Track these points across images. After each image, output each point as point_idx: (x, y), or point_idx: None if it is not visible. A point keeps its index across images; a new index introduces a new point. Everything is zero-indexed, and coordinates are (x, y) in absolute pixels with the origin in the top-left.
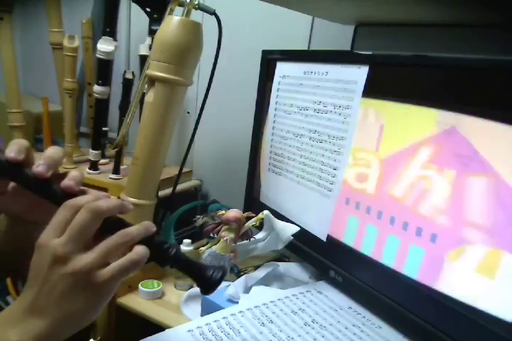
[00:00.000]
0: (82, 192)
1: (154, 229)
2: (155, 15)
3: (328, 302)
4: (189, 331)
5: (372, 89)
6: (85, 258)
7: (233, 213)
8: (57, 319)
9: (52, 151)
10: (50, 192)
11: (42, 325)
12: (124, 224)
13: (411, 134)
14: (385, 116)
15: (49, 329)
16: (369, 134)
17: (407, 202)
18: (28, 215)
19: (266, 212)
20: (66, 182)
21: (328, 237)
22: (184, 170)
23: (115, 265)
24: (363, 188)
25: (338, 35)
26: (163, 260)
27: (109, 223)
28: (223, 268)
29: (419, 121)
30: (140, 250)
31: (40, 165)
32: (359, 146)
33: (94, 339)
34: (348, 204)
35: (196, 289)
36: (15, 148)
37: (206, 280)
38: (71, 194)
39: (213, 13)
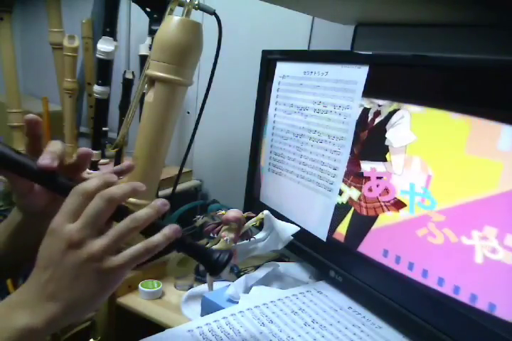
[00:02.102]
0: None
1: (167, 207)
2: (155, 15)
3: (328, 302)
4: (189, 331)
5: (372, 89)
6: (99, 243)
7: (233, 213)
8: (69, 303)
9: (52, 145)
10: (57, 183)
11: (53, 308)
12: (130, 211)
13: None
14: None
15: (60, 313)
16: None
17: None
18: (49, 211)
19: (266, 212)
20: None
21: (328, 237)
22: (184, 170)
23: (128, 252)
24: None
25: (338, 35)
26: (169, 245)
27: (120, 207)
28: (229, 251)
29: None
30: (155, 238)
31: (44, 158)
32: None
33: (94, 339)
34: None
35: (196, 289)
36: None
37: (213, 262)
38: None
39: (213, 13)
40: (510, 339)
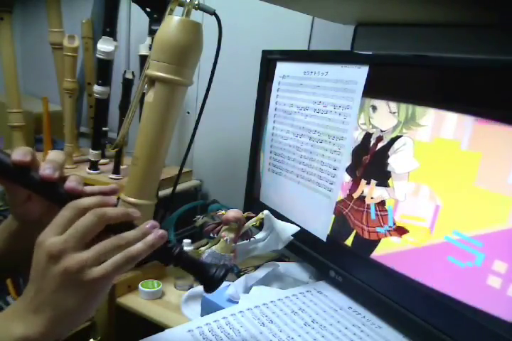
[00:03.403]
0: (86, 194)
1: (157, 229)
2: (155, 15)
3: (328, 302)
4: (189, 331)
5: (373, 89)
6: (79, 257)
7: (233, 213)
8: (54, 315)
9: (54, 155)
10: (57, 194)
11: (39, 321)
12: (127, 225)
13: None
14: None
15: (46, 327)
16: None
17: None
18: (45, 219)
19: (266, 212)
20: (69, 184)
21: (328, 237)
22: (184, 170)
23: (108, 263)
24: None
25: (338, 35)
26: (167, 259)
27: (110, 225)
28: (226, 266)
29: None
30: (136, 247)
31: (46, 168)
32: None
33: (94, 339)
34: None
35: (196, 289)
36: (20, 152)
37: (209, 278)
38: (75, 195)
39: (213, 13)
40: (510, 339)
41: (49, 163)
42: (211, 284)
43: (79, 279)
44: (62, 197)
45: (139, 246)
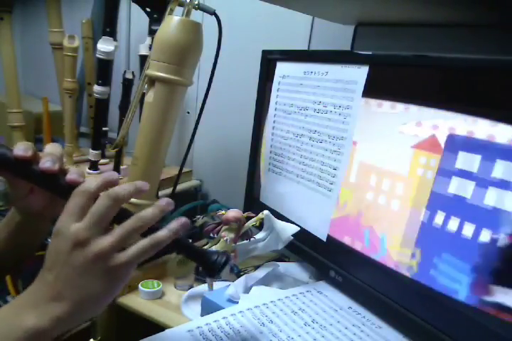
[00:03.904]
0: None
1: (171, 207)
2: (155, 15)
3: (328, 302)
4: (189, 331)
5: (372, 89)
6: (104, 242)
7: (233, 213)
8: (76, 302)
9: (51, 148)
10: (58, 186)
11: (61, 308)
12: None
13: None
14: None
15: (68, 312)
16: None
17: None
18: (48, 212)
19: (266, 212)
20: (70, 176)
21: (328, 237)
22: (184, 170)
23: (134, 248)
24: None
25: (338, 35)
26: (170, 246)
27: (123, 208)
28: (227, 253)
29: None
30: (161, 233)
31: (46, 161)
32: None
33: (94, 339)
34: None
35: (196, 289)
36: (22, 147)
37: (212, 264)
38: (77, 186)
39: (213, 13)
40: (510, 340)
41: (47, 155)
42: (214, 270)
43: (107, 264)
44: (64, 188)
45: (164, 232)
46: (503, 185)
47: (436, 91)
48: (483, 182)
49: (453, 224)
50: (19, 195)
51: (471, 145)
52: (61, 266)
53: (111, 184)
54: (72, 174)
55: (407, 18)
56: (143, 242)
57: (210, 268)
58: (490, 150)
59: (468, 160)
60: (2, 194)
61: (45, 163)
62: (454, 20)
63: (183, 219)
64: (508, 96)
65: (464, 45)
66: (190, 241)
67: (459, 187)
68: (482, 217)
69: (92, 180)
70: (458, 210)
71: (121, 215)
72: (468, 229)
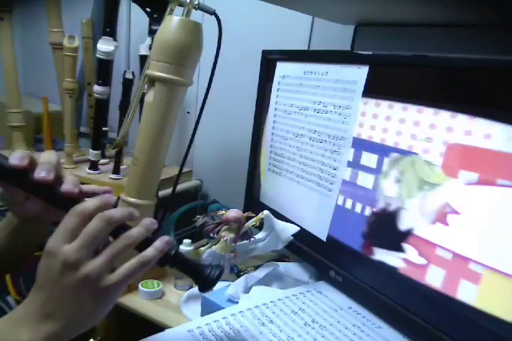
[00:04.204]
0: (83, 195)
1: (155, 226)
2: (155, 15)
3: (328, 302)
4: (189, 331)
5: (372, 89)
6: (95, 264)
7: (233, 213)
8: (68, 321)
9: (46, 156)
10: (53, 196)
11: (52, 327)
12: (124, 227)
13: None
14: None
15: (59, 331)
16: None
17: None
18: (45, 216)
19: (266, 212)
20: (65, 187)
21: (328, 237)
22: (184, 170)
23: (123, 269)
24: None
25: (338, 35)
26: (162, 260)
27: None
28: (220, 266)
29: None
30: (148, 252)
31: (41, 171)
32: None
33: (94, 339)
34: None
35: (196, 289)
36: (18, 156)
37: (204, 278)
38: (72, 197)
39: (213, 13)
40: (510, 340)
41: (42, 165)
42: (206, 285)
43: (97, 285)
44: (60, 198)
45: (151, 251)
46: (373, 171)
47: (436, 91)
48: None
49: (348, 204)
50: (15, 202)
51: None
52: (52, 286)
53: (108, 206)
54: (67, 184)
55: (407, 18)
56: (131, 263)
57: (202, 283)
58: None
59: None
60: (1, 194)
61: (40, 173)
62: (454, 20)
63: (166, 238)
64: (508, 96)
65: (464, 45)
66: (182, 253)
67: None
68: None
69: (90, 201)
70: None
71: (119, 230)
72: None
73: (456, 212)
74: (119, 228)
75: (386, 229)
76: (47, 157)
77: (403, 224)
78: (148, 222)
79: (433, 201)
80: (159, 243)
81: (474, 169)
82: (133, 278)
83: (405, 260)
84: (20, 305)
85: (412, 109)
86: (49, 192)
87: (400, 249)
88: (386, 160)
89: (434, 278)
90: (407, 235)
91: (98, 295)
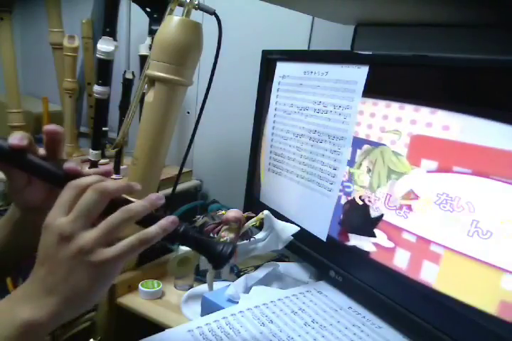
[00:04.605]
0: (85, 175)
1: (162, 201)
2: (155, 15)
3: (328, 302)
4: (189, 331)
5: (372, 89)
6: (89, 236)
7: (233, 213)
8: (67, 296)
9: (50, 127)
10: (55, 175)
11: (53, 302)
12: (127, 202)
13: None
14: None
15: (60, 307)
16: None
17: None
18: (46, 206)
19: (266, 212)
20: (68, 165)
21: (328, 237)
22: (184, 170)
23: (121, 244)
24: None
25: (338, 35)
26: (172, 237)
27: (115, 203)
28: (233, 243)
29: None
30: (150, 230)
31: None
32: None
33: (94, 339)
34: None
35: (196, 289)
36: (17, 136)
37: (217, 254)
38: (75, 176)
39: (213, 13)
40: (510, 339)
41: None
42: (219, 261)
43: (92, 259)
44: (61, 178)
45: (153, 229)
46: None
47: (436, 91)
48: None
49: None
50: (17, 187)
51: None
52: (50, 260)
53: (104, 178)
54: (70, 163)
55: (407, 18)
56: (130, 239)
57: (215, 259)
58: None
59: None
60: (2, 194)
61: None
62: (454, 20)
63: (172, 217)
64: (508, 96)
65: (464, 45)
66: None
67: None
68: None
69: (88, 177)
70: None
71: (121, 204)
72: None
73: (419, 198)
74: (120, 203)
75: (359, 216)
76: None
77: (374, 211)
78: (154, 197)
79: (399, 188)
80: (164, 221)
81: (434, 158)
82: (132, 254)
83: (376, 244)
84: (22, 284)
85: (409, 108)
86: (51, 171)
87: (372, 234)
88: (359, 152)
89: (401, 261)
90: (377, 221)
91: (94, 270)
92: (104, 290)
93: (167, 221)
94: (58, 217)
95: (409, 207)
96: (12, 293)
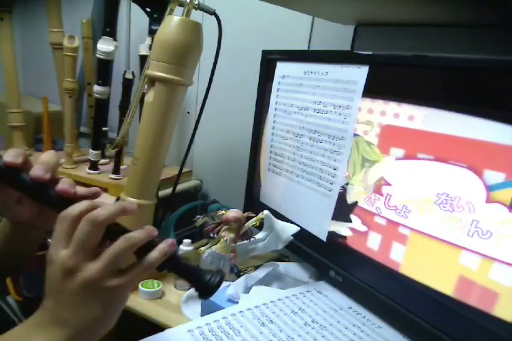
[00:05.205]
0: (78, 197)
1: (156, 233)
2: (155, 15)
3: (328, 302)
4: (189, 331)
5: (372, 89)
6: (93, 267)
7: (233, 213)
8: (78, 328)
9: (46, 156)
10: (47, 196)
11: (64, 334)
12: (125, 230)
13: None
14: None
15: (72, 337)
16: None
17: None
18: (36, 222)
19: (266, 212)
20: (61, 186)
21: (328, 237)
22: (184, 170)
23: (127, 271)
24: None
25: (338, 35)
26: (161, 264)
27: (111, 229)
28: (221, 272)
29: None
30: (152, 256)
31: (37, 169)
32: None
33: None
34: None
35: None
36: (12, 154)
37: (204, 285)
38: (67, 198)
39: (213, 13)
40: (510, 339)
41: (40, 164)
42: (206, 291)
43: (100, 288)
44: (53, 199)
45: (154, 254)
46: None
47: (436, 91)
48: None
49: None
50: (7, 203)
51: None
52: (57, 293)
53: (95, 207)
54: (63, 184)
55: (407, 18)
56: (135, 268)
57: (202, 290)
58: None
59: None
60: None
61: (36, 171)
62: (454, 20)
63: (170, 240)
64: (508, 96)
65: (464, 45)
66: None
67: None
68: None
69: (76, 205)
70: None
71: (116, 232)
72: None
73: (389, 184)
74: (118, 231)
75: (338, 203)
76: (46, 157)
77: (350, 198)
78: (151, 229)
79: (372, 176)
80: (164, 245)
81: (401, 146)
82: (137, 281)
83: (352, 229)
84: (36, 312)
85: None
86: (43, 192)
87: (349, 220)
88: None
89: (373, 243)
90: (353, 207)
91: (104, 298)
92: (115, 318)
93: (166, 244)
94: (59, 250)
95: (380, 192)
96: (27, 320)
